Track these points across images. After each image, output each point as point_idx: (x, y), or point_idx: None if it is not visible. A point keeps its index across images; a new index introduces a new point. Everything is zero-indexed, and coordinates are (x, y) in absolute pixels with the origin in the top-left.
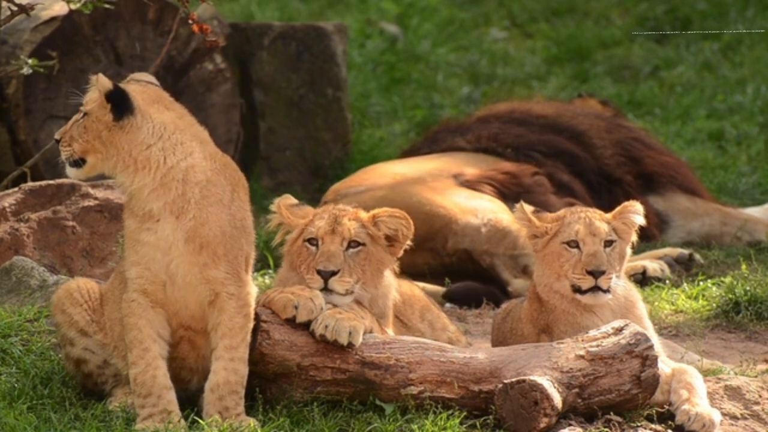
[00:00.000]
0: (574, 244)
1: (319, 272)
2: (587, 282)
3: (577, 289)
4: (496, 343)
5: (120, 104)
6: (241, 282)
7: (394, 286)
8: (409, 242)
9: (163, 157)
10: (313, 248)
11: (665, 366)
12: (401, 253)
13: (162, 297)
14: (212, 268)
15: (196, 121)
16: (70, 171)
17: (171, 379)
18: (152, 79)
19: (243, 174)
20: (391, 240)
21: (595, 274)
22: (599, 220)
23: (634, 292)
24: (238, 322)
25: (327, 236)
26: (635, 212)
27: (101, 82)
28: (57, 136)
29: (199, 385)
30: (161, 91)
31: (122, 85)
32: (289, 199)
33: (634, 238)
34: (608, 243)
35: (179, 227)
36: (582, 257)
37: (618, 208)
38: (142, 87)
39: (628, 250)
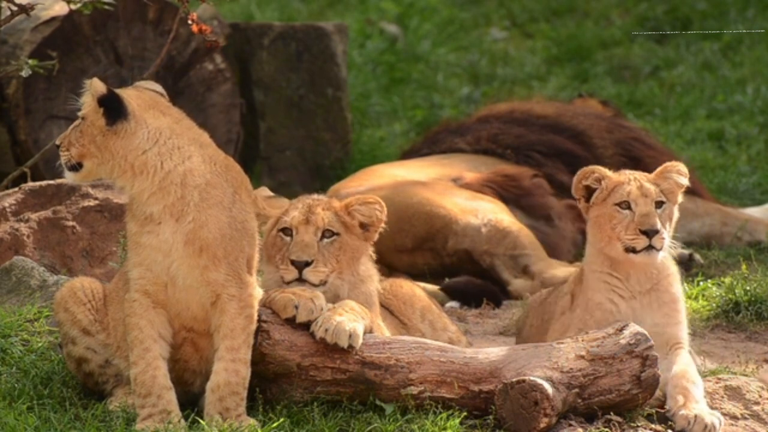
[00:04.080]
0: (625, 205)
1: (293, 262)
2: (641, 242)
3: (631, 250)
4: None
5: (113, 109)
6: (242, 284)
7: (375, 276)
8: (383, 225)
9: (159, 162)
10: (288, 239)
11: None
12: (376, 236)
13: (163, 298)
14: (212, 270)
15: (195, 124)
16: (68, 175)
17: (174, 381)
18: (158, 87)
19: (246, 176)
20: (365, 226)
21: (649, 233)
22: (648, 181)
23: (670, 262)
24: (240, 324)
25: (301, 226)
26: (680, 173)
27: (94, 86)
28: (57, 142)
29: (202, 387)
30: (157, 97)
31: (117, 90)
32: (264, 191)
33: (680, 199)
34: (659, 204)
35: (179, 230)
36: (635, 218)
37: (659, 169)
38: (137, 92)
39: (676, 212)
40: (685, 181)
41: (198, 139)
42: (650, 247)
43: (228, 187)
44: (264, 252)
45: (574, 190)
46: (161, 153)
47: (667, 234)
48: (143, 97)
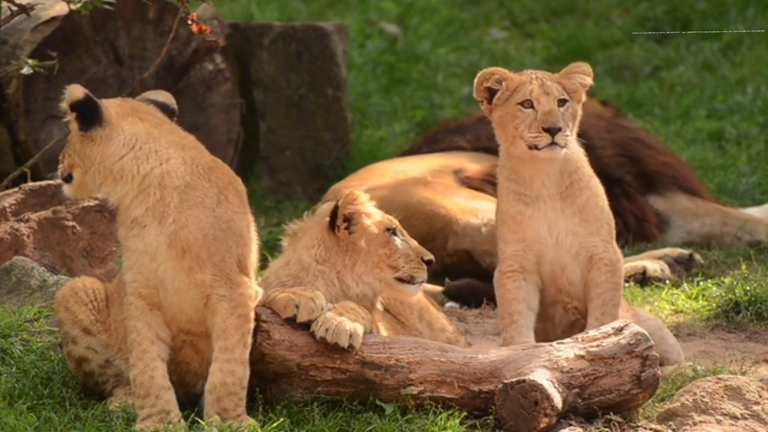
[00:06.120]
0: (528, 104)
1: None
2: (545, 139)
3: (534, 147)
4: None
5: (86, 115)
6: (232, 284)
7: None
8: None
9: (136, 166)
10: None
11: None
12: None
13: (157, 300)
14: (198, 271)
15: (179, 129)
16: (64, 188)
17: (176, 383)
18: (164, 98)
19: (237, 177)
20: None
21: (552, 131)
22: (550, 80)
23: (582, 157)
24: (232, 323)
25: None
26: (585, 72)
27: (70, 92)
28: (60, 156)
29: (204, 388)
30: (139, 105)
31: (94, 97)
32: None
33: (584, 98)
34: (561, 102)
35: (162, 232)
36: (538, 116)
37: (564, 69)
38: (120, 101)
39: (580, 111)
40: (589, 81)
41: (179, 142)
42: (553, 144)
43: (211, 187)
44: (366, 256)
45: (475, 92)
46: (137, 157)
47: (571, 132)
48: (123, 105)
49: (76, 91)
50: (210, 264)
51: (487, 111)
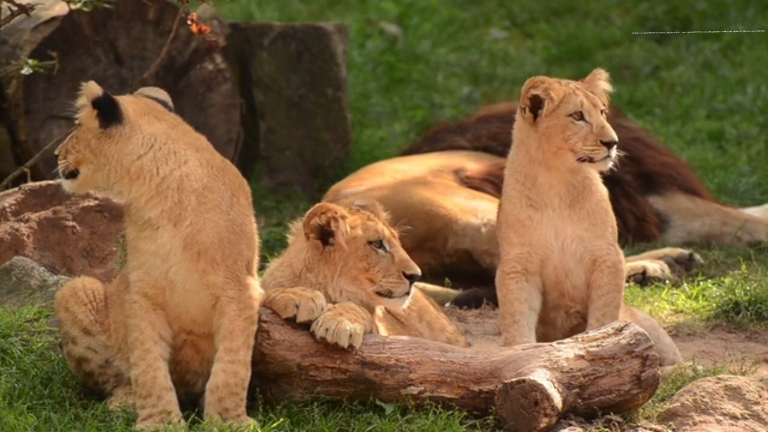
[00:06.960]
0: (578, 115)
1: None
2: (602, 153)
3: (587, 160)
4: None
5: (107, 111)
6: (241, 286)
7: None
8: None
9: (155, 167)
10: (381, 251)
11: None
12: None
13: (162, 301)
14: (211, 273)
15: (192, 129)
16: (65, 183)
17: (176, 382)
18: (161, 94)
19: (244, 179)
20: None
21: (610, 145)
22: (588, 90)
23: (592, 173)
24: (239, 325)
25: (393, 239)
26: (604, 79)
27: (90, 88)
28: (56, 152)
29: (204, 387)
30: (153, 103)
31: (112, 95)
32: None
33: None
34: (601, 113)
35: (177, 234)
36: (594, 129)
37: (589, 78)
38: (134, 98)
39: None
40: (609, 87)
41: (194, 143)
42: (607, 157)
43: (225, 190)
44: (342, 269)
45: (522, 99)
46: (156, 158)
47: None
48: (139, 103)
49: (95, 88)
50: (223, 266)
51: (529, 120)
